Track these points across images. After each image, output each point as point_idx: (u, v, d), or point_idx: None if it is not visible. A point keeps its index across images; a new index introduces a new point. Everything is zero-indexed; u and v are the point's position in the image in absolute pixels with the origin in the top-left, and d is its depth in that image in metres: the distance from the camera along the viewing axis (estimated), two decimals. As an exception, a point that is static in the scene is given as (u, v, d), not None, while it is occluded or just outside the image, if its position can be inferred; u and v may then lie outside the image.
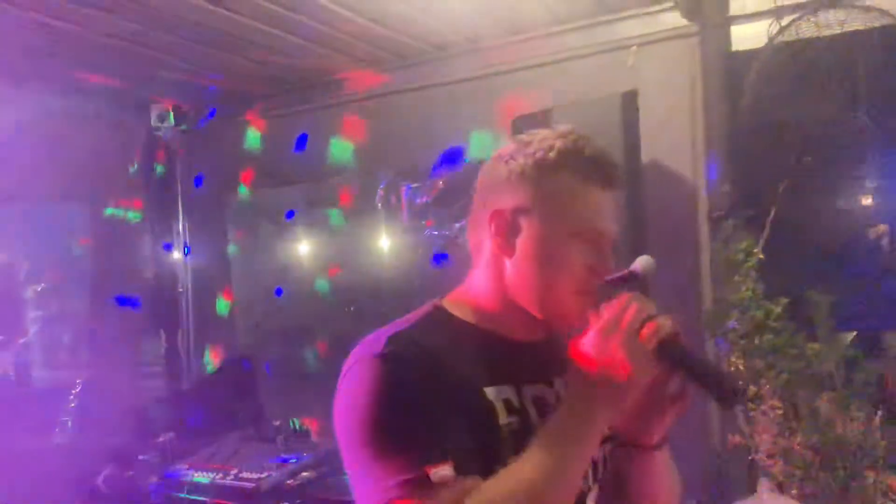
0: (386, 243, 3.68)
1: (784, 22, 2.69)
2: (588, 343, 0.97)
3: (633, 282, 2.01)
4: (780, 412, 2.31)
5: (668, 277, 2.87)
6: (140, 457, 3.14)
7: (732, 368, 2.41)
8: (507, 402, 1.03)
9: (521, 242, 1.07)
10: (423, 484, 0.88)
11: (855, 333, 2.64)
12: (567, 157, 1.07)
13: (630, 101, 2.48)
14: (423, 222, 3.51)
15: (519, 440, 0.97)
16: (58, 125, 3.76)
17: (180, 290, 4.46)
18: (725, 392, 0.95)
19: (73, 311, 5.03)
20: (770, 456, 2.34)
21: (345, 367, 1.02)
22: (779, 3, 2.77)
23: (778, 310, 2.31)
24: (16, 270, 4.47)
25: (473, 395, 1.01)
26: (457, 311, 1.11)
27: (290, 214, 4.09)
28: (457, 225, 3.43)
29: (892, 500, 2.25)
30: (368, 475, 0.93)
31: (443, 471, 0.88)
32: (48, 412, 4.12)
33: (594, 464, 1.11)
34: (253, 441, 3.22)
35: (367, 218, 3.70)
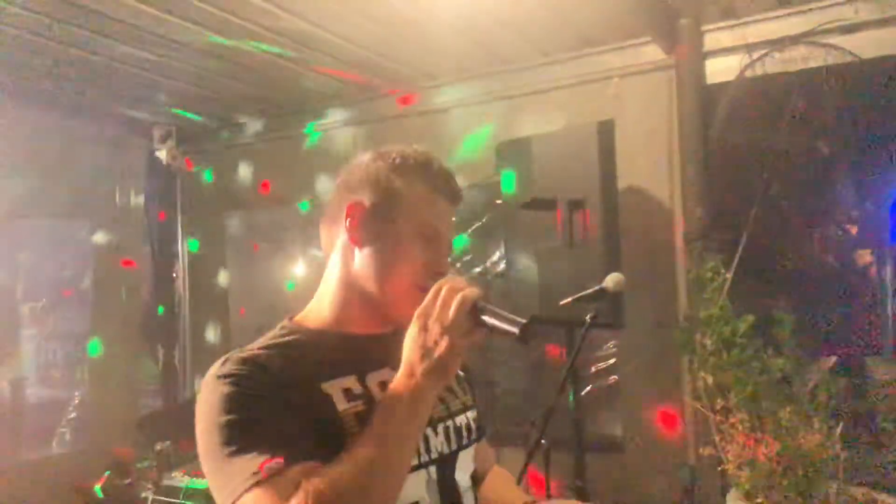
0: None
1: (753, 57, 2.86)
2: (413, 328, 1.07)
3: (602, 297, 2.15)
4: (747, 424, 2.43)
5: (647, 297, 3.03)
6: (137, 465, 3.24)
7: (701, 382, 2.54)
8: (346, 391, 1.13)
9: (372, 234, 1.18)
10: (260, 480, 0.97)
11: (835, 358, 2.79)
12: (421, 168, 1.22)
13: (606, 130, 2.63)
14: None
15: (362, 420, 1.08)
16: (60, 146, 3.89)
17: (176, 309, 4.59)
18: (521, 330, 1.05)
19: (71, 329, 5.11)
20: (738, 466, 2.46)
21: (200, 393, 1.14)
22: (749, 41, 2.96)
23: (744, 326, 2.44)
24: (13, 288, 4.54)
25: (310, 391, 1.10)
26: (306, 321, 1.24)
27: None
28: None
29: (853, 510, 2.37)
30: (217, 481, 1.03)
31: (271, 464, 0.98)
32: (46, 424, 4.22)
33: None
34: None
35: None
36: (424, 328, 1.06)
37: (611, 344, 3.20)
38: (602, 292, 2.06)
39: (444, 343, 1.04)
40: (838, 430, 2.41)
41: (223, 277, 4.50)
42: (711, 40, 3.07)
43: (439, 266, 1.18)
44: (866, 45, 2.77)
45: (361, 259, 1.19)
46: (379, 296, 1.18)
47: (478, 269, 3.57)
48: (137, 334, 4.53)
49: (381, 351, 1.19)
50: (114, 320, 4.33)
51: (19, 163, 3.61)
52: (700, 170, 2.94)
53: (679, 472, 2.81)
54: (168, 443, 3.21)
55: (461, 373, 1.36)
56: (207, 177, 4.51)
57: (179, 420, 3.79)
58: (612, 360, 3.20)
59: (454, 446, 1.24)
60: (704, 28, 3.05)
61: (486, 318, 1.06)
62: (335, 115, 4.00)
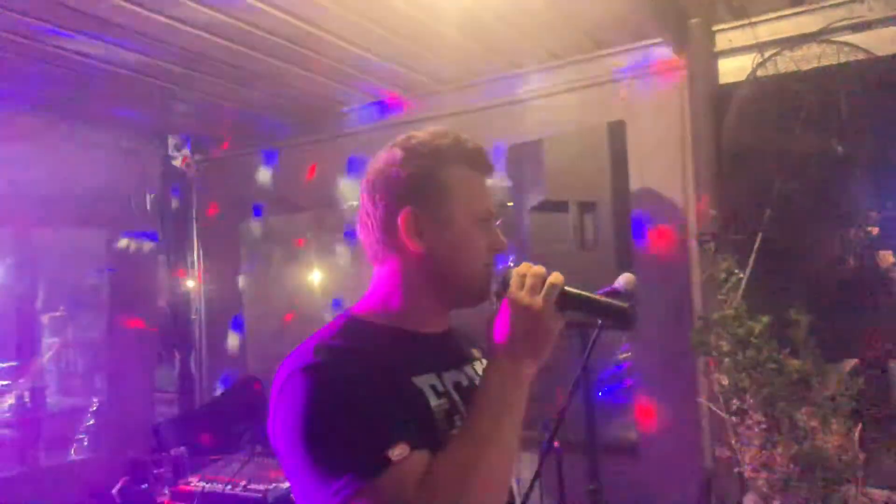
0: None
1: (765, 56, 2.84)
2: (502, 316, 1.08)
3: (615, 296, 2.13)
4: (764, 426, 2.40)
5: (662, 297, 3.01)
6: (154, 471, 3.27)
7: (717, 385, 2.52)
8: (433, 388, 1.12)
9: (431, 236, 1.15)
10: (384, 468, 0.94)
11: (855, 361, 2.75)
12: (455, 151, 1.19)
13: (617, 131, 2.62)
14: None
15: (450, 420, 1.10)
16: (75, 155, 3.92)
17: (193, 316, 4.62)
18: (619, 316, 1.08)
19: (89, 337, 5.15)
20: (755, 469, 2.43)
21: (277, 383, 1.07)
22: (761, 40, 2.94)
23: (759, 327, 2.41)
24: (33, 297, 4.58)
25: (404, 384, 1.09)
26: (368, 317, 1.19)
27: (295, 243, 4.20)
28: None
29: (873, 512, 2.34)
30: (323, 479, 0.96)
31: (399, 449, 0.95)
32: (65, 431, 4.25)
33: None
34: (261, 456, 3.34)
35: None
36: (515, 315, 1.06)
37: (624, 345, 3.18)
38: (614, 293, 2.05)
39: (543, 328, 1.05)
40: (857, 431, 2.38)
41: (238, 284, 4.53)
42: (723, 40, 3.05)
43: (498, 243, 1.20)
44: (881, 41, 2.74)
45: (426, 260, 1.16)
46: (451, 289, 1.19)
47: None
48: (154, 341, 4.56)
49: (446, 349, 1.22)
50: (130, 328, 4.36)
51: (37, 171, 3.65)
52: (713, 170, 2.92)
53: (696, 474, 2.78)
54: (184, 448, 3.23)
55: None
56: (222, 184, 4.53)
57: (195, 426, 3.84)
58: (625, 363, 3.18)
59: None
60: (715, 28, 3.04)
61: (581, 304, 1.09)
62: (348, 121, 4.02)
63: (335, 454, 0.97)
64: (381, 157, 1.22)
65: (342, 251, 4.04)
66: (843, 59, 2.71)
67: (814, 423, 2.38)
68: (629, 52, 3.22)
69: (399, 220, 1.15)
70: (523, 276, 1.09)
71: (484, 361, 1.32)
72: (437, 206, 1.16)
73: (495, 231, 1.21)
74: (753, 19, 2.92)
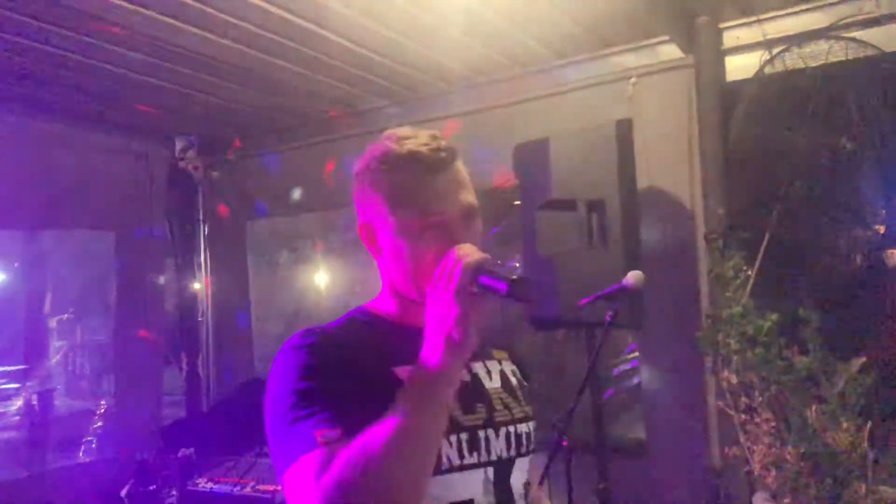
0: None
1: (773, 53, 2.83)
2: (429, 304, 1.08)
3: (623, 295, 2.13)
4: (773, 424, 2.39)
5: (670, 296, 3.00)
6: (161, 472, 3.27)
7: (725, 382, 2.51)
8: None
9: (386, 248, 1.20)
10: (314, 447, 1.01)
11: (864, 359, 2.73)
12: (390, 161, 1.18)
13: (624, 129, 2.61)
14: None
15: None
16: (83, 157, 3.93)
17: (200, 318, 4.63)
18: (519, 291, 1.03)
19: (97, 340, 5.16)
20: (764, 467, 2.42)
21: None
22: (769, 36, 2.93)
23: (767, 325, 2.40)
24: (41, 300, 4.60)
25: (381, 373, 1.13)
26: (373, 310, 1.27)
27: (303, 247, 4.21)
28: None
29: (883, 511, 2.32)
30: (278, 445, 1.06)
31: (330, 433, 1.02)
32: (73, 433, 4.27)
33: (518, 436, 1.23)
34: (268, 458, 3.34)
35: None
36: (435, 300, 1.06)
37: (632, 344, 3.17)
38: (622, 290, 2.04)
39: (453, 312, 1.03)
40: (867, 429, 2.37)
41: (245, 286, 4.53)
42: (730, 38, 3.04)
43: (451, 245, 1.12)
44: (889, 38, 2.73)
45: (390, 268, 1.23)
46: (417, 296, 1.17)
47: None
48: (162, 344, 4.57)
49: None
50: (138, 331, 4.38)
51: (44, 174, 3.67)
52: (721, 168, 2.91)
53: (705, 473, 2.77)
54: (191, 450, 3.24)
55: (525, 382, 1.38)
56: (229, 186, 4.54)
57: (203, 428, 3.84)
58: (634, 361, 3.17)
59: (513, 452, 1.24)
60: (723, 26, 3.03)
61: (481, 280, 1.04)
62: (356, 123, 4.02)
63: (285, 429, 1.06)
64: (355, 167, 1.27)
65: (350, 253, 4.05)
66: (851, 56, 2.70)
67: (823, 421, 2.37)
68: (636, 51, 3.22)
69: (361, 234, 1.24)
70: (447, 259, 1.07)
71: (503, 363, 1.35)
72: (379, 221, 1.20)
73: (452, 230, 1.15)
74: (761, 16, 2.92)
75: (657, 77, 3.18)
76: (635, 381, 3.17)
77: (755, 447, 2.43)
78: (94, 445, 4.21)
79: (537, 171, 2.80)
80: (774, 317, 2.42)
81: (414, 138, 1.19)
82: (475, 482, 1.17)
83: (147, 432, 3.85)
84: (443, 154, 1.18)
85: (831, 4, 2.81)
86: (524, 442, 1.27)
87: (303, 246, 4.23)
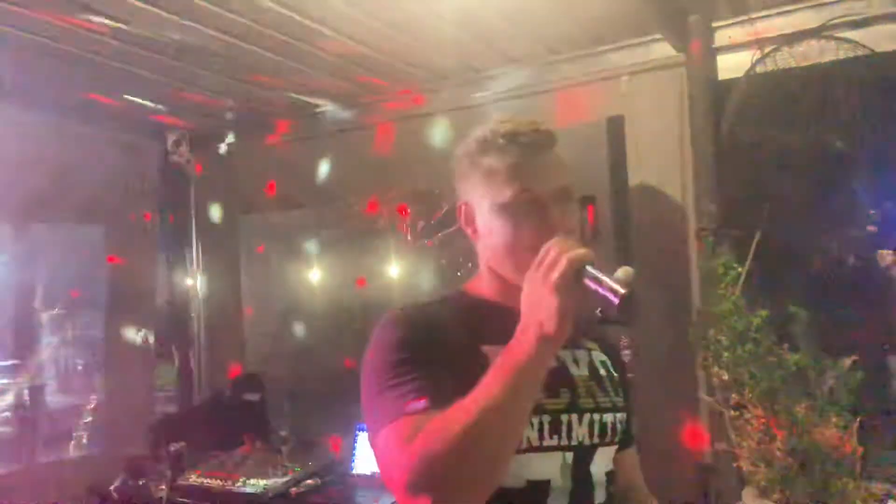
0: (394, 264, 3.80)
1: (764, 52, 2.85)
2: (525, 289, 1.10)
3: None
4: (763, 420, 2.40)
5: (662, 293, 3.01)
6: (152, 467, 3.26)
7: (716, 378, 2.52)
8: None
9: (482, 229, 1.28)
10: (402, 412, 1.07)
11: (855, 357, 2.75)
12: (489, 141, 1.25)
13: (616, 126, 2.63)
14: (426, 244, 3.65)
15: None
16: (73, 149, 3.89)
17: (193, 314, 4.61)
18: (625, 309, 1.05)
19: (88, 335, 5.14)
20: (753, 463, 2.44)
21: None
22: (760, 35, 2.94)
23: (758, 321, 2.42)
24: (31, 294, 4.57)
25: (471, 350, 1.18)
26: (472, 290, 1.35)
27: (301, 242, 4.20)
28: (457, 246, 3.57)
29: (871, 506, 2.34)
30: (370, 412, 1.14)
31: (418, 403, 1.07)
32: (64, 429, 4.25)
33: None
34: (260, 452, 3.34)
35: (377, 238, 3.84)
36: (531, 287, 1.08)
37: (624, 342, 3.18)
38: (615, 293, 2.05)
39: (550, 303, 1.04)
40: (856, 425, 2.38)
41: (238, 281, 4.52)
42: (722, 36, 3.05)
43: (550, 227, 1.18)
44: (881, 38, 2.74)
45: (486, 250, 1.30)
46: (512, 275, 1.23)
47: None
48: (153, 340, 4.55)
49: None
50: (129, 325, 4.36)
51: (34, 166, 3.64)
52: (712, 166, 2.92)
53: (694, 469, 2.79)
54: (183, 444, 3.23)
55: (615, 374, 1.38)
56: (222, 180, 4.53)
57: (194, 423, 3.83)
58: (625, 358, 3.18)
59: (595, 440, 1.26)
60: (715, 24, 3.03)
61: (587, 281, 1.06)
62: (345, 117, 4.02)
63: (377, 396, 1.13)
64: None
65: (344, 248, 4.04)
66: (842, 56, 2.71)
67: (812, 418, 2.38)
68: (628, 48, 3.23)
69: (458, 214, 1.32)
70: (547, 250, 1.09)
71: (592, 353, 1.37)
72: (475, 199, 1.28)
73: (545, 213, 1.20)
74: (753, 15, 2.92)
75: (649, 75, 3.19)
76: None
77: (745, 443, 2.44)
78: (84, 440, 4.18)
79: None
80: (764, 313, 2.44)
81: (514, 120, 1.27)
82: (553, 464, 1.20)
83: (138, 427, 3.83)
84: (541, 137, 1.26)
85: (823, 4, 2.82)
86: (608, 431, 1.29)
87: (296, 241, 4.20)
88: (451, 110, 3.62)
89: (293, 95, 3.85)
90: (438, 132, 3.61)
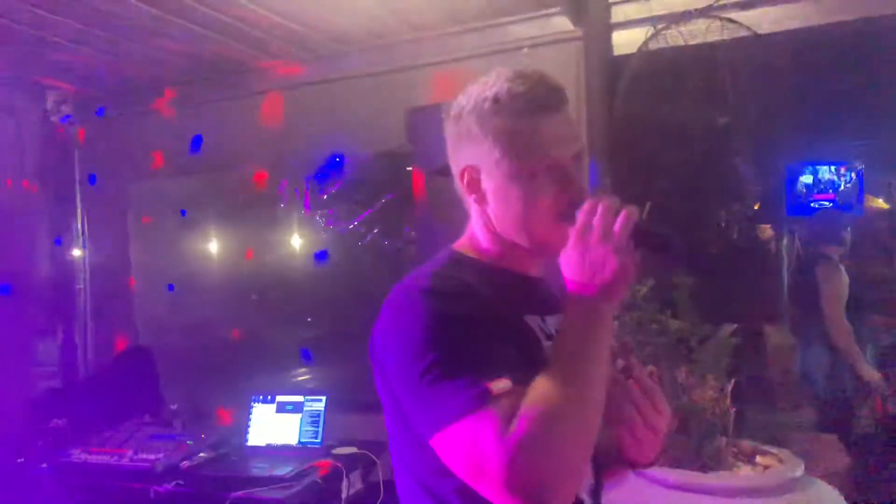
0: (288, 234, 3.74)
1: (656, 29, 2.93)
2: (572, 252, 1.03)
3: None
4: (647, 384, 2.51)
5: (557, 263, 3.08)
6: (31, 444, 3.10)
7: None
8: (542, 329, 1.12)
9: (494, 193, 1.13)
10: (487, 397, 0.92)
11: (735, 326, 2.91)
12: (503, 102, 1.13)
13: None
14: (324, 214, 3.60)
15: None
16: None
17: (79, 286, 4.38)
18: (673, 244, 1.07)
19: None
20: (638, 425, 2.55)
21: (390, 305, 1.07)
22: (654, 13, 3.03)
23: (644, 290, 2.52)
24: None
25: (517, 321, 1.09)
26: (471, 254, 1.19)
27: (184, 212, 4.04)
28: (358, 215, 3.54)
29: (742, 462, 2.51)
30: (432, 401, 0.97)
31: (501, 383, 0.93)
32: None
33: None
34: (150, 426, 3.23)
35: (271, 209, 3.76)
36: (587, 249, 1.02)
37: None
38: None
39: (612, 263, 1.00)
40: (729, 388, 2.53)
41: (127, 251, 4.32)
42: (618, 12, 3.12)
43: (572, 188, 1.11)
44: (762, 20, 2.87)
45: (495, 215, 1.15)
46: (528, 243, 1.14)
47: (388, 240, 3.56)
48: (32, 312, 4.30)
49: (548, 296, 1.20)
50: (10, 299, 4.09)
51: None
52: (606, 140, 3.00)
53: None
54: (65, 420, 3.08)
55: None
56: (109, 144, 4.29)
57: (78, 398, 3.66)
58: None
59: None
60: (612, 0, 3.10)
61: (643, 234, 1.04)
62: (241, 83, 3.87)
63: (442, 380, 0.96)
64: (452, 107, 1.20)
65: (240, 216, 3.93)
66: (727, 36, 2.83)
67: (692, 381, 2.51)
68: (530, 21, 3.25)
69: (457, 175, 1.17)
70: (593, 209, 1.04)
71: None
72: (486, 164, 1.13)
73: (568, 175, 1.11)
74: (647, -7, 3.01)
75: (549, 48, 3.23)
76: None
77: (630, 406, 2.55)
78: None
79: (430, 137, 2.79)
80: (651, 282, 2.54)
81: (527, 78, 1.15)
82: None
83: (16, 404, 3.62)
84: (558, 95, 1.16)
85: (712, -15, 2.93)
86: None
87: (188, 211, 4.05)
88: (354, 77, 3.56)
89: (187, 60, 3.67)
90: (337, 101, 3.55)
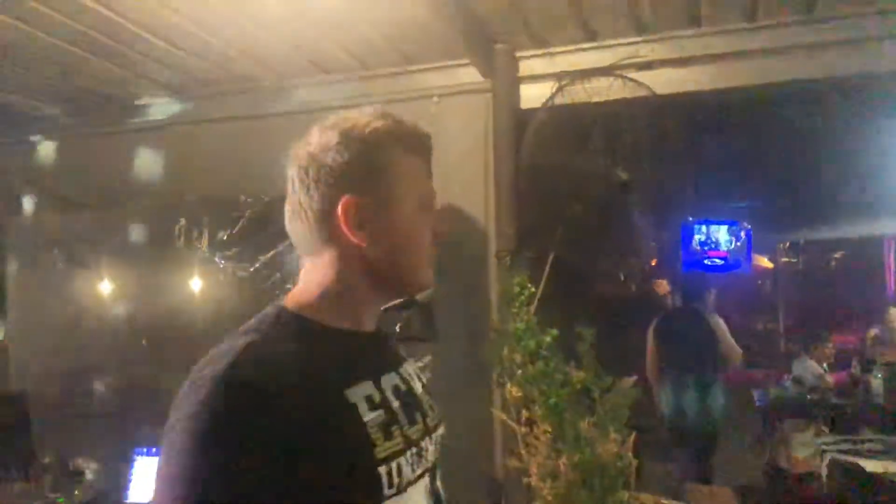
0: (184, 275, 3.55)
1: (561, 85, 3.02)
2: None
3: (411, 306, 2.13)
4: (550, 435, 2.50)
5: (463, 312, 3.06)
6: None
7: (509, 395, 2.59)
8: (369, 399, 1.03)
9: (375, 226, 1.07)
10: None
11: (635, 377, 2.95)
12: (391, 135, 1.11)
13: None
14: (224, 255, 3.45)
15: (387, 432, 1.01)
16: None
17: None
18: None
19: None
20: (542, 478, 2.51)
21: (184, 385, 0.95)
22: (559, 69, 3.12)
23: (548, 339, 2.52)
24: None
25: (334, 399, 0.99)
26: (304, 312, 1.07)
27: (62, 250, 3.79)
28: (260, 259, 3.41)
29: (642, 514, 2.51)
30: None
31: None
32: None
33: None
34: (18, 483, 2.94)
35: (165, 249, 3.57)
36: None
37: (427, 358, 3.19)
38: (410, 301, 2.04)
39: None
40: (631, 439, 2.54)
41: (2, 291, 4.00)
42: (525, 67, 3.21)
43: (439, 229, 1.16)
44: (660, 81, 3.01)
45: (367, 251, 1.07)
46: (394, 281, 1.12)
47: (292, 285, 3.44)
48: None
49: (384, 351, 1.19)
50: None
51: None
52: (511, 190, 3.03)
53: (487, 485, 2.84)
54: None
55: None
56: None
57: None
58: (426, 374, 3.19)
59: (439, 454, 1.20)
60: (519, 55, 3.18)
61: None
62: (133, 115, 3.72)
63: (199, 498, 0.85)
64: (313, 142, 1.10)
65: (136, 256, 3.71)
66: (628, 94, 2.95)
67: (594, 433, 2.51)
68: (439, 70, 3.29)
69: (338, 210, 1.06)
70: None
71: (412, 362, 1.28)
72: (378, 194, 1.08)
73: (436, 217, 1.16)
74: (552, 49, 3.10)
75: (458, 98, 3.27)
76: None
77: (534, 459, 2.52)
78: None
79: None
80: (554, 332, 2.54)
81: (411, 122, 1.17)
82: (421, 491, 1.10)
83: None
84: (430, 144, 1.19)
85: (614, 46, 3.05)
86: (439, 445, 1.23)
87: (77, 247, 3.79)
88: (251, 118, 3.49)
89: (76, 90, 3.49)
90: (241, 139, 3.45)
